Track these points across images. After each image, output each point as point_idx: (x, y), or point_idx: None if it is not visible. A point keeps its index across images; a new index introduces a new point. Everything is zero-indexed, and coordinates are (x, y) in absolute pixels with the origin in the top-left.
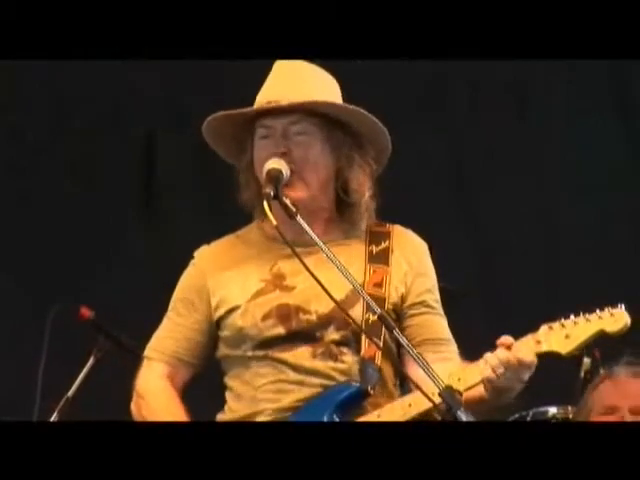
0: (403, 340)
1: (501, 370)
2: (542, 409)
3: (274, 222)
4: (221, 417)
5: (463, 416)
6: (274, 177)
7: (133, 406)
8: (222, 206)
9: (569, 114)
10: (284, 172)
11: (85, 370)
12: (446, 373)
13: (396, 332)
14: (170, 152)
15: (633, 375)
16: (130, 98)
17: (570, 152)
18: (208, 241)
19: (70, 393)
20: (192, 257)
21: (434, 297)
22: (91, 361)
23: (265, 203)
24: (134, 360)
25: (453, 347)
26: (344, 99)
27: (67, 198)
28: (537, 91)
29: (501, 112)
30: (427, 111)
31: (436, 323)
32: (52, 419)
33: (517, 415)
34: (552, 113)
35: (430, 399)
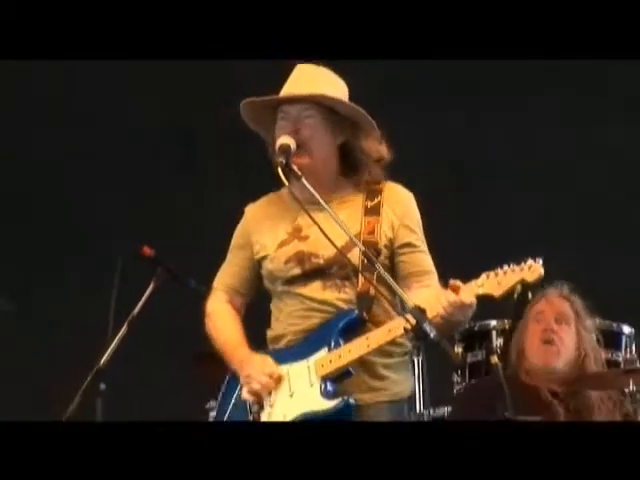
0: (382, 271)
1: (449, 309)
2: (485, 322)
3: (286, 183)
4: (268, 333)
5: (428, 329)
6: (284, 149)
7: (206, 324)
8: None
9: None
10: (292, 146)
11: (146, 294)
12: (425, 296)
13: (377, 266)
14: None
15: (559, 295)
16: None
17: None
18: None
19: (135, 311)
20: (243, 212)
21: (417, 236)
22: (151, 287)
23: (280, 170)
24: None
25: (433, 276)
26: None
27: (123, 161)
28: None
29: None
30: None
31: (419, 259)
32: (122, 332)
33: (467, 326)
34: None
35: (407, 319)
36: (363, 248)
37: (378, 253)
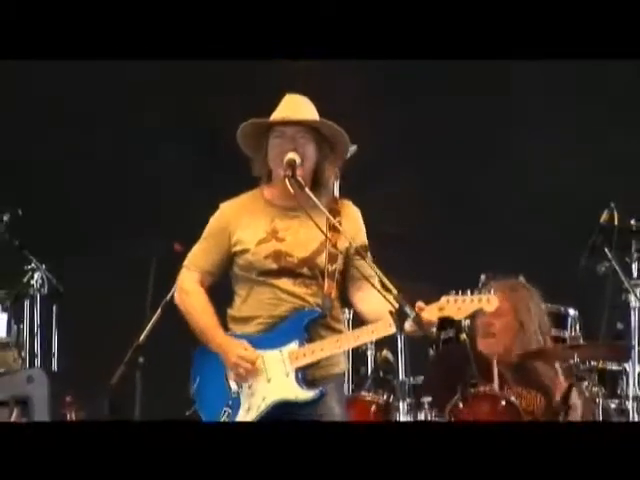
0: (373, 267)
1: (415, 327)
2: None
3: (292, 191)
4: (230, 312)
5: (408, 311)
6: (291, 164)
7: (178, 297)
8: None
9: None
10: (297, 160)
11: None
12: (375, 294)
13: (367, 260)
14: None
15: (498, 291)
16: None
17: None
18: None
19: (168, 297)
20: (218, 207)
21: (365, 246)
22: None
23: (287, 180)
24: None
25: (375, 277)
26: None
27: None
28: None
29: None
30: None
31: (367, 265)
32: (157, 314)
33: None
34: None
35: (389, 302)
36: (355, 244)
37: (337, 260)
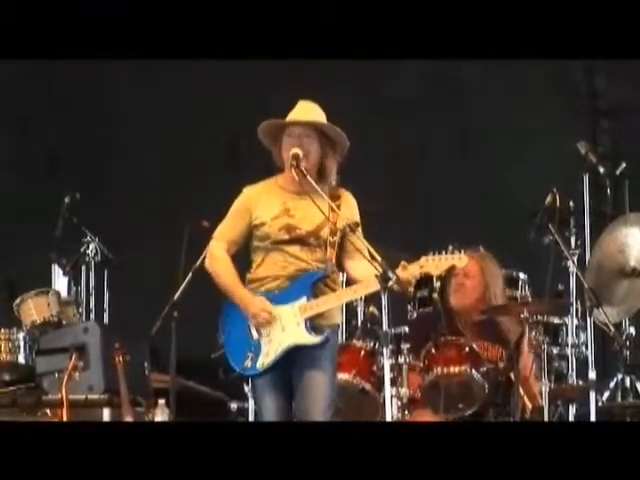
0: (363, 241)
1: (397, 284)
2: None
3: (296, 178)
4: (248, 276)
5: (390, 274)
6: (296, 157)
7: (208, 262)
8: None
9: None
10: (300, 154)
11: (205, 252)
12: (365, 262)
13: (357, 233)
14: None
15: (469, 257)
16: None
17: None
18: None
19: (197, 263)
20: (242, 191)
21: (357, 224)
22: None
23: (293, 171)
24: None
25: (365, 250)
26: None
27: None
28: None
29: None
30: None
31: (360, 239)
32: (188, 277)
33: None
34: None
35: (375, 268)
36: (352, 221)
37: (336, 234)
